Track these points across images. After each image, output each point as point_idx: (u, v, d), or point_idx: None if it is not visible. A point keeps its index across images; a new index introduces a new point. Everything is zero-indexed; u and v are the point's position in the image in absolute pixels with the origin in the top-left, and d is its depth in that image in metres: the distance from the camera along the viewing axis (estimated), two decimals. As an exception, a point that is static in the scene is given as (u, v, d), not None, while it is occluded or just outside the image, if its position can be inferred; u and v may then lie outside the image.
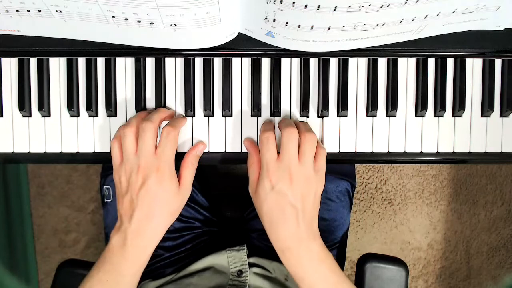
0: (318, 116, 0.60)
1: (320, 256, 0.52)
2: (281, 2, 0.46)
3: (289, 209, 0.51)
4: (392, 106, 0.59)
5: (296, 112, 0.60)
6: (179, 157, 0.56)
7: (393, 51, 0.58)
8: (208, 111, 0.58)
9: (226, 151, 0.59)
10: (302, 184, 0.51)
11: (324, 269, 0.52)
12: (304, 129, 0.53)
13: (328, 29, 0.50)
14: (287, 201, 0.50)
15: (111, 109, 0.59)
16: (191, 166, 0.56)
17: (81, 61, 0.59)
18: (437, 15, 0.50)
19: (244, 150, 0.59)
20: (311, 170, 0.52)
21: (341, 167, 0.75)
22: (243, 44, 0.56)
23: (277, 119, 0.59)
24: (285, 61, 0.59)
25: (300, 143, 0.52)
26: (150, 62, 0.59)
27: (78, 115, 0.59)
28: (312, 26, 0.50)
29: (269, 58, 0.59)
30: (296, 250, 0.51)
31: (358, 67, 0.59)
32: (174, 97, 0.59)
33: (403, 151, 0.60)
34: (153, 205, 0.52)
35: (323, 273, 0.52)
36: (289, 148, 0.51)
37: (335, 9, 0.46)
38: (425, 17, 0.50)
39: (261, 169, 0.52)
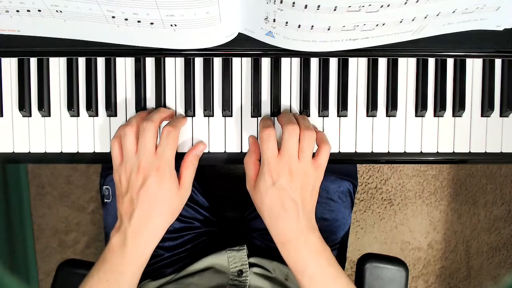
0: (318, 116, 0.60)
1: (318, 249, 0.53)
2: (281, 2, 0.46)
3: (289, 203, 0.52)
4: (392, 106, 0.59)
5: (296, 112, 0.59)
6: (179, 157, 0.56)
7: (393, 51, 0.58)
8: (208, 111, 0.58)
9: (226, 151, 0.59)
10: (301, 179, 0.52)
11: (322, 261, 0.53)
12: (303, 126, 0.53)
13: (328, 29, 0.50)
14: (288, 196, 0.52)
15: (111, 109, 0.59)
16: (191, 166, 0.56)
17: (81, 61, 0.59)
18: (437, 15, 0.50)
19: (244, 150, 0.59)
20: (310, 166, 0.53)
21: (343, 167, 0.75)
22: (243, 44, 0.56)
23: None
24: (285, 61, 0.59)
25: (300, 139, 0.53)
26: (150, 62, 0.59)
27: (78, 115, 0.59)
28: (312, 26, 0.50)
29: (269, 58, 0.59)
30: (296, 242, 0.52)
31: (358, 67, 0.59)
32: (174, 97, 0.59)
33: (403, 151, 0.60)
34: (153, 205, 0.52)
35: (322, 265, 0.53)
36: (290, 146, 0.52)
37: (335, 9, 0.46)
38: (425, 17, 0.50)
39: (262, 165, 0.53)
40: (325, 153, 0.54)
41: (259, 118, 0.59)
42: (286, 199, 0.52)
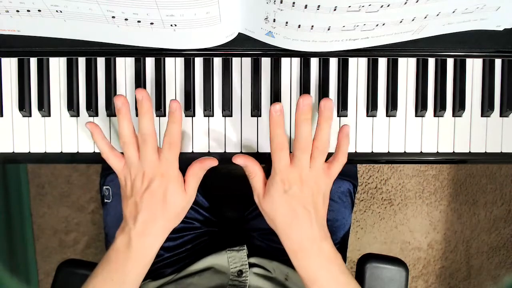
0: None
1: (331, 256, 0.53)
2: (281, 2, 0.46)
3: (302, 211, 0.52)
4: (392, 106, 0.59)
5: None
6: (180, 157, 0.56)
7: (393, 51, 0.58)
8: (208, 111, 0.58)
9: (226, 151, 0.59)
10: (312, 187, 0.52)
11: (334, 269, 0.53)
12: (318, 138, 0.52)
13: (328, 29, 0.50)
14: (299, 203, 0.52)
15: (111, 109, 0.58)
16: (196, 176, 0.56)
17: (81, 61, 0.59)
18: (437, 15, 0.50)
19: (244, 150, 0.59)
20: (321, 173, 0.53)
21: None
22: (243, 44, 0.56)
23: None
24: (285, 61, 0.59)
25: (312, 149, 0.52)
26: (150, 62, 0.59)
27: (78, 115, 0.59)
28: (312, 26, 0.50)
29: (269, 58, 0.59)
30: (310, 250, 0.52)
31: (358, 67, 0.59)
32: (174, 97, 0.59)
33: (403, 151, 0.60)
34: (157, 208, 0.52)
35: (334, 273, 0.53)
36: (303, 160, 0.52)
37: (335, 9, 0.46)
38: (425, 17, 0.50)
39: (273, 174, 0.53)
40: (340, 165, 0.54)
41: (259, 118, 0.59)
42: (298, 207, 0.52)
